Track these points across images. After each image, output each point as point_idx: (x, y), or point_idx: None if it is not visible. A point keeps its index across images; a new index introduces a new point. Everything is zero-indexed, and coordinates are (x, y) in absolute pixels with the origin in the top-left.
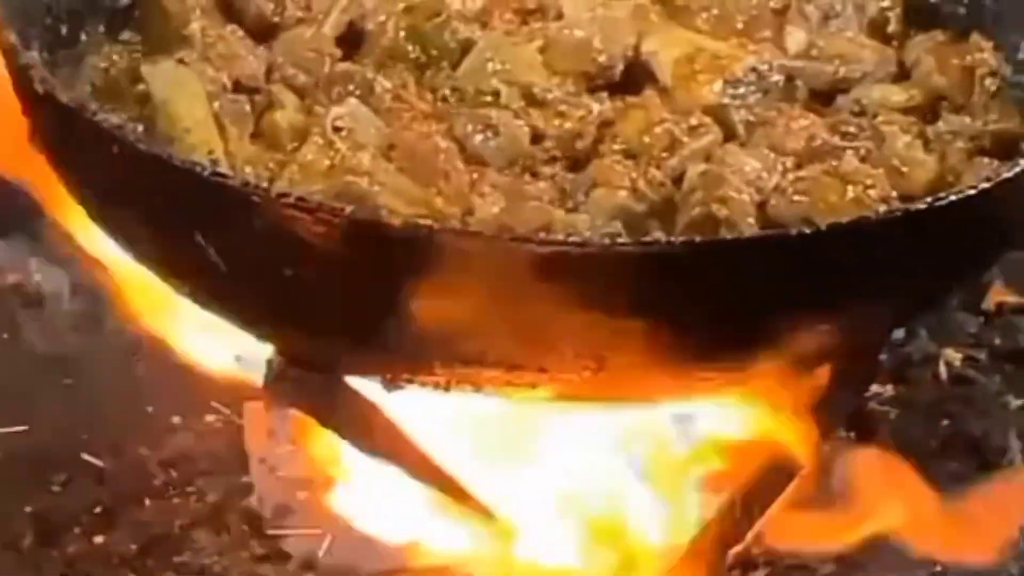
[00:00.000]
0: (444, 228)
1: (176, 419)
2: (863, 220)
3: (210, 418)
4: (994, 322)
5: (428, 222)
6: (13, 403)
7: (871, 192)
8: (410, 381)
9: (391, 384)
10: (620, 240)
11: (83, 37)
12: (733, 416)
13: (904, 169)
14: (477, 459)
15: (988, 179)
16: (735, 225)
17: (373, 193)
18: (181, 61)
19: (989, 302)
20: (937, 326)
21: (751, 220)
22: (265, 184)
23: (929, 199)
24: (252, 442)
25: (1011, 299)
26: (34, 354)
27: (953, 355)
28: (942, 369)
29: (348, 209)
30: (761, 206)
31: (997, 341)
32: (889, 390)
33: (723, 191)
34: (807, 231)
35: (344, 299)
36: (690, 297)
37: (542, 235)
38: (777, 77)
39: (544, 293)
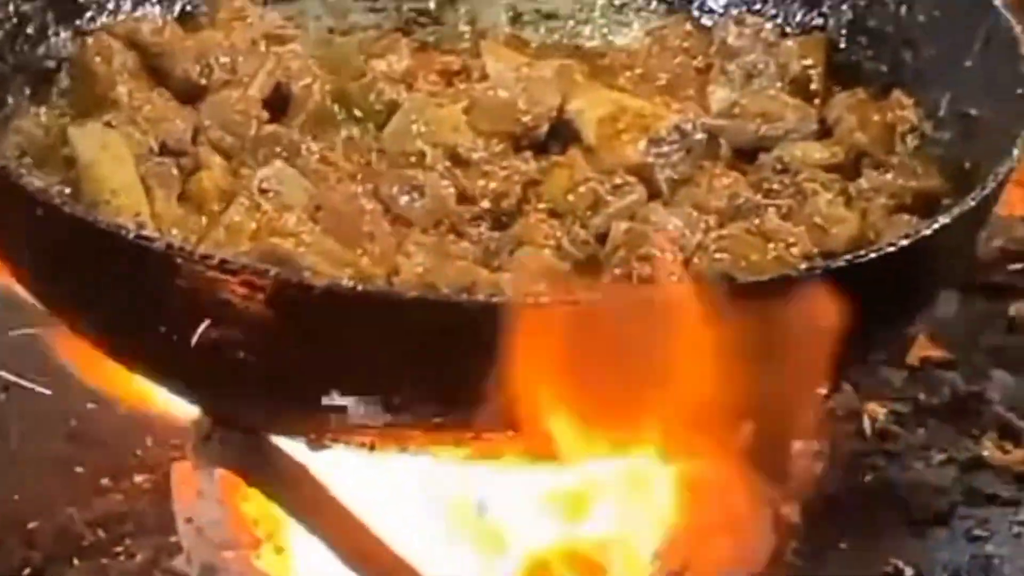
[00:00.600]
0: (367, 288)
1: (105, 480)
2: (783, 277)
3: (139, 478)
4: (918, 376)
5: (351, 282)
6: None
7: (793, 250)
8: (335, 440)
9: (316, 444)
10: (543, 298)
11: (9, 100)
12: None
13: (826, 226)
14: (407, 522)
15: (907, 236)
16: (658, 283)
17: (298, 254)
18: (108, 124)
19: (913, 356)
20: (862, 380)
21: (675, 278)
22: (190, 246)
23: (849, 256)
24: (180, 502)
25: (935, 353)
26: None
27: (877, 409)
28: (866, 424)
29: (272, 270)
30: (684, 264)
31: (921, 395)
32: (814, 445)
33: (646, 249)
34: (728, 288)
35: (269, 359)
36: (610, 354)
37: (465, 295)
38: (700, 135)
39: (467, 351)
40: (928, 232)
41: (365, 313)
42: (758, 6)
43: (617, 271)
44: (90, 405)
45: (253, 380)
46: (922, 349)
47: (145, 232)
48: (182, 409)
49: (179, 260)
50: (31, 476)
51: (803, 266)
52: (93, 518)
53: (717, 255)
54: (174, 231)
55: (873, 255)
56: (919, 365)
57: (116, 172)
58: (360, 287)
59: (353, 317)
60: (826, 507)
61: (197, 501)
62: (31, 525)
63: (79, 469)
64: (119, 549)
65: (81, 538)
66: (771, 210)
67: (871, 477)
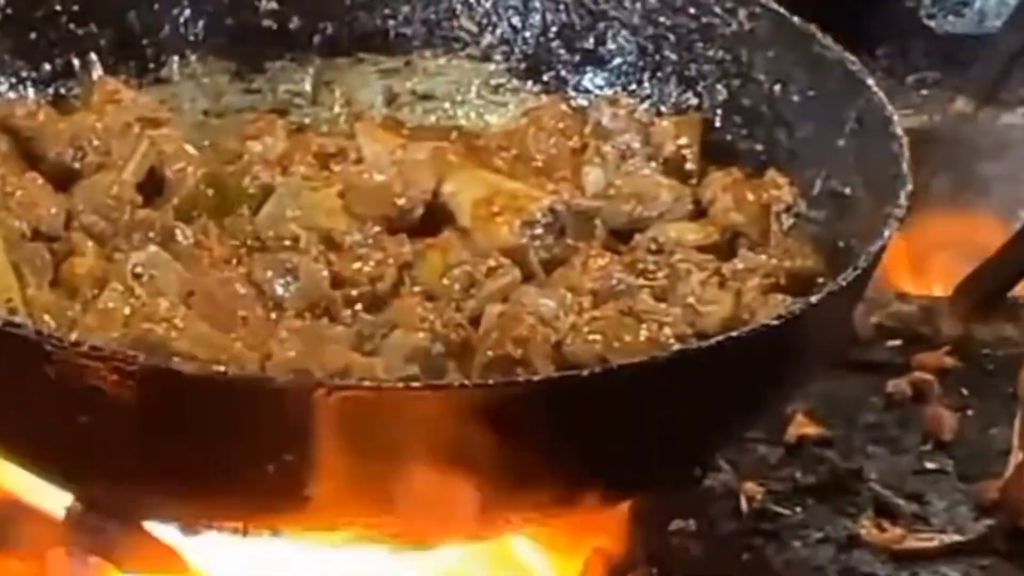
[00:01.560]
0: (235, 374)
1: None
2: (656, 359)
3: (13, 564)
4: (796, 454)
5: (220, 368)
6: None
7: (666, 330)
8: (207, 526)
9: (188, 529)
10: (414, 383)
11: None
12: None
13: (699, 307)
14: None
15: (780, 316)
16: (531, 366)
17: (171, 340)
18: None
19: (791, 434)
20: (738, 459)
21: (547, 361)
22: (60, 333)
23: (721, 336)
24: None
25: (812, 431)
26: None
27: (755, 488)
28: (744, 503)
29: (140, 356)
30: (557, 346)
31: (799, 474)
32: (691, 524)
33: (519, 332)
34: (599, 370)
35: (139, 446)
36: (485, 438)
37: (336, 379)
38: (575, 217)
39: (337, 436)
40: (799, 311)
41: (234, 399)
42: (632, 86)
43: (490, 354)
44: None
45: (124, 466)
46: (799, 427)
47: (15, 319)
48: (56, 495)
49: (48, 347)
50: None
51: (676, 347)
52: None
53: (590, 336)
54: (46, 317)
55: (745, 334)
56: (796, 443)
57: None
58: (228, 373)
59: (222, 403)
60: None
61: None
62: None
63: None
64: None
65: None
66: (645, 291)
67: (748, 556)
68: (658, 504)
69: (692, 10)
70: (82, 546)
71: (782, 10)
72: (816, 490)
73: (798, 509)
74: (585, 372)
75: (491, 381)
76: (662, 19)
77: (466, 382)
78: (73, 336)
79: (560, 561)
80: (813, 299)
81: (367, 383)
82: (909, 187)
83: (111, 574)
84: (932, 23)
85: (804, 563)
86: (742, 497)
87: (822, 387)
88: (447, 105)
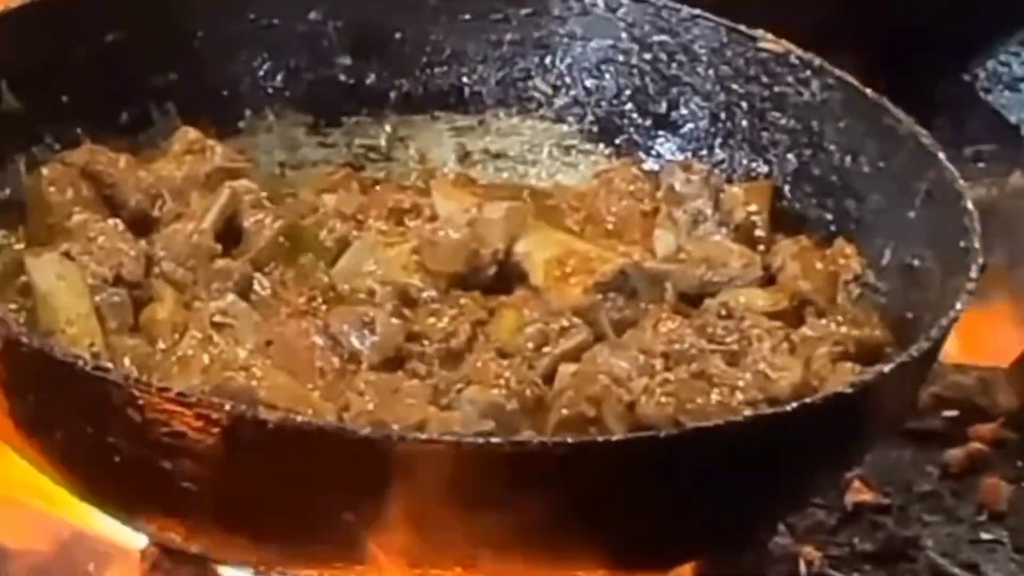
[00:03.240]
0: (322, 424)
1: None
2: (730, 423)
3: None
4: (853, 520)
5: (305, 418)
6: None
7: (738, 395)
8: (282, 573)
9: (263, 574)
10: (494, 439)
11: None
12: None
13: (770, 373)
14: None
15: (852, 385)
16: (604, 425)
17: (251, 388)
18: (66, 254)
19: (848, 500)
20: (796, 522)
21: (620, 421)
22: (146, 378)
23: (795, 403)
24: None
25: (868, 497)
26: None
27: (813, 553)
28: (802, 567)
29: (227, 404)
30: (630, 407)
31: (856, 540)
32: None
33: (593, 391)
34: (675, 433)
35: (220, 491)
36: (559, 498)
37: (417, 433)
38: (645, 279)
39: (420, 489)
40: (873, 380)
41: (318, 449)
42: (703, 152)
43: (565, 412)
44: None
45: (203, 511)
46: (856, 493)
47: (102, 363)
48: (127, 536)
49: (135, 391)
50: None
51: (748, 412)
52: None
53: (663, 399)
54: (127, 362)
55: (819, 402)
56: (854, 509)
57: (72, 302)
58: (315, 423)
59: (306, 452)
60: None
61: None
62: None
63: None
64: None
65: None
66: (716, 355)
67: None
68: (717, 565)
69: (765, 79)
70: None
71: (855, 81)
72: (873, 557)
73: (855, 575)
74: (663, 434)
75: (571, 439)
76: (735, 86)
77: (554, 440)
78: (158, 382)
79: None
80: (886, 368)
81: (452, 438)
82: (980, 261)
83: None
84: (989, 97)
85: None
86: (801, 561)
87: (879, 455)
88: (519, 165)
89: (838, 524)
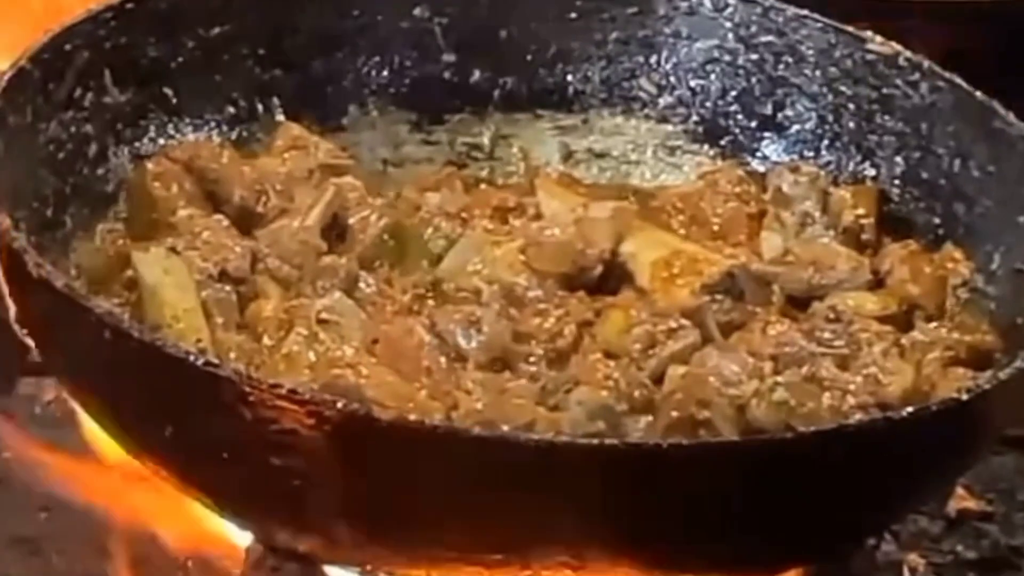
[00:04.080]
0: (435, 424)
1: None
2: (847, 428)
3: None
4: (957, 528)
5: (417, 417)
6: None
7: (849, 399)
8: (390, 573)
9: (371, 575)
10: (610, 441)
11: (68, 221)
12: None
13: (881, 378)
14: None
15: (969, 391)
16: (714, 428)
17: (359, 386)
18: (173, 250)
19: (951, 508)
20: (900, 529)
21: (730, 424)
22: (257, 375)
23: (912, 409)
24: None
25: (972, 505)
26: (5, 534)
27: (917, 560)
28: (906, 574)
29: (339, 402)
30: (740, 410)
31: (959, 548)
32: None
33: (703, 394)
34: (792, 436)
35: (330, 490)
36: (672, 499)
37: (535, 434)
38: (753, 282)
39: (533, 491)
40: (989, 387)
41: (430, 448)
42: (810, 154)
43: (675, 414)
44: (131, 525)
45: (311, 509)
46: (959, 500)
47: (213, 359)
48: (229, 533)
49: (246, 388)
50: None
51: (860, 416)
52: None
53: (775, 401)
54: (232, 357)
55: (936, 408)
56: (957, 516)
57: (179, 297)
58: (428, 422)
59: (418, 452)
60: None
61: None
62: None
63: None
64: None
65: None
66: (826, 359)
67: None
68: (824, 572)
69: (873, 81)
70: None
71: (964, 84)
72: (978, 565)
73: None
74: (780, 436)
75: (686, 442)
76: (843, 88)
77: (669, 442)
78: (271, 379)
79: None
80: (1003, 375)
81: (566, 440)
82: None
83: None
84: None
85: None
86: (905, 569)
87: (981, 461)
88: (623, 164)
89: (942, 532)
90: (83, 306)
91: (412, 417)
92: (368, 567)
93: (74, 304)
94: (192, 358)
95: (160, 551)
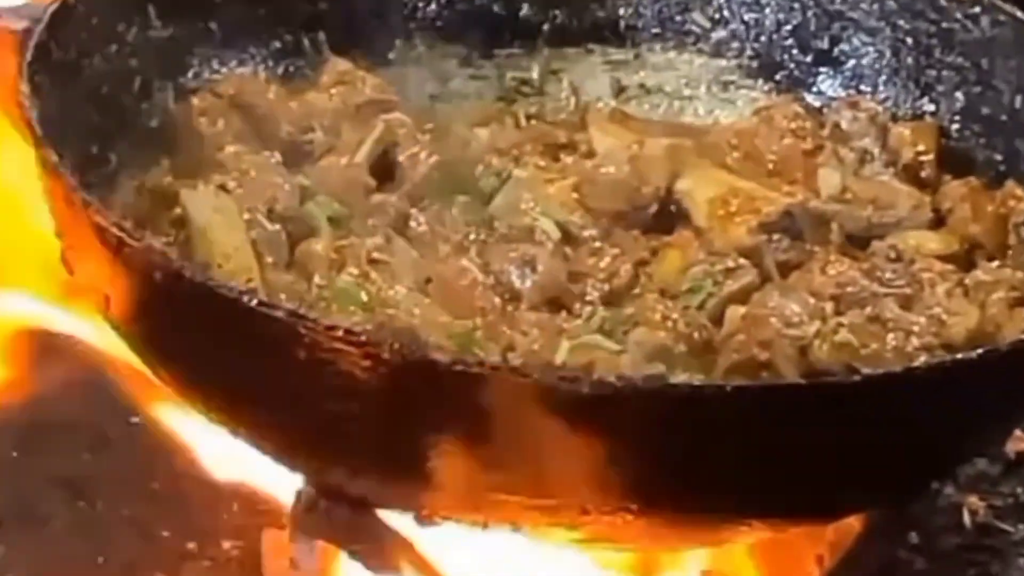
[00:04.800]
0: (497, 366)
1: (191, 545)
2: (918, 369)
3: (226, 544)
4: (1016, 470)
5: (480, 358)
6: (24, 525)
7: (913, 340)
8: (446, 517)
9: (425, 520)
10: (673, 383)
11: (112, 158)
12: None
13: (945, 318)
14: None
15: None
16: (776, 370)
17: (414, 327)
18: (222, 187)
19: (1010, 449)
20: (959, 473)
21: (791, 365)
22: (314, 315)
23: (983, 349)
24: (271, 571)
25: None
26: (47, 475)
27: (977, 503)
28: (966, 518)
29: (397, 344)
30: (802, 351)
31: (1019, 490)
32: (914, 538)
33: (765, 335)
34: (861, 379)
35: (385, 432)
36: (735, 444)
37: (597, 376)
38: (811, 220)
39: (592, 434)
40: None
41: (489, 390)
42: (868, 89)
43: (735, 356)
44: (176, 467)
45: (365, 452)
46: (1017, 442)
47: (267, 299)
48: (271, 475)
49: (302, 329)
50: (116, 539)
51: (925, 358)
52: None
53: (838, 342)
54: (283, 297)
55: (1005, 350)
56: (1016, 459)
57: (228, 236)
58: (487, 364)
59: (475, 394)
60: None
61: (291, 571)
62: None
63: (165, 533)
64: None
65: None
66: (889, 299)
67: (974, 573)
68: (885, 515)
69: (932, 15)
70: (309, 531)
71: None
72: None
73: (1021, 527)
74: (852, 378)
75: (754, 384)
76: (900, 22)
77: (734, 384)
78: (326, 319)
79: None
80: None
81: (627, 382)
82: None
83: (335, 560)
84: None
85: None
86: (965, 511)
87: None
88: (675, 100)
89: (1001, 474)
90: (134, 245)
91: (471, 359)
92: (423, 512)
93: (124, 243)
94: (247, 298)
95: (207, 494)
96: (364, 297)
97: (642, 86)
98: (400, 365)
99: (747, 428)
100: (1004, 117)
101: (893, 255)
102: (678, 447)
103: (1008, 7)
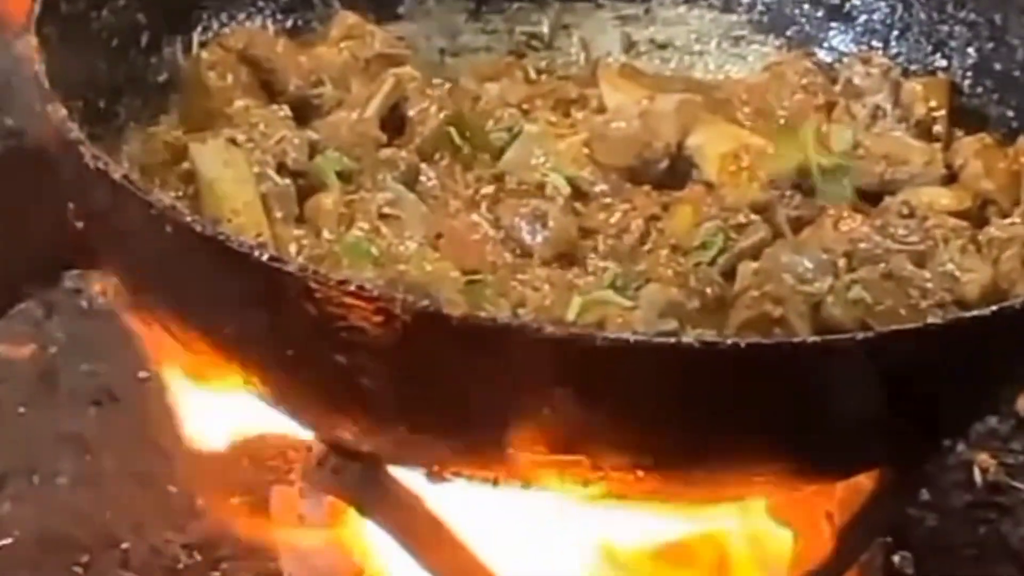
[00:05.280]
0: (509, 322)
1: (200, 501)
2: (933, 326)
3: (235, 500)
4: None
5: (489, 314)
6: (33, 481)
7: (927, 297)
8: (457, 474)
9: (436, 476)
10: (686, 339)
11: (121, 112)
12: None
13: (958, 275)
14: (525, 560)
15: None
16: (790, 326)
17: (426, 283)
18: (232, 141)
19: (1020, 407)
20: (970, 430)
21: (804, 322)
22: (325, 270)
23: (999, 306)
24: (279, 527)
25: None
26: (54, 430)
27: (988, 461)
28: (977, 475)
29: (410, 299)
30: (815, 308)
31: None
32: (924, 495)
33: (777, 291)
34: (876, 335)
35: (397, 389)
36: (748, 401)
37: (609, 332)
38: (823, 176)
39: (603, 390)
40: None
41: (502, 346)
42: (879, 45)
43: (748, 312)
44: (184, 423)
45: (377, 408)
46: None
47: (279, 254)
48: (279, 431)
49: (313, 284)
50: (124, 494)
51: (938, 314)
52: (189, 541)
53: (852, 298)
54: (292, 252)
55: (1020, 306)
56: None
57: (238, 191)
58: (499, 320)
59: (487, 350)
60: (941, 560)
61: (299, 527)
62: (124, 545)
63: (173, 489)
64: (215, 574)
65: (176, 561)
66: (902, 255)
67: (984, 531)
68: (897, 472)
69: None
70: (319, 486)
71: None
72: None
73: None
74: (864, 335)
75: (767, 341)
76: None
77: (747, 341)
78: (338, 275)
79: (792, 526)
80: None
81: (643, 338)
82: None
83: (345, 516)
84: None
85: None
86: (975, 468)
87: None
88: (686, 55)
89: (1011, 431)
90: (143, 200)
91: (483, 314)
92: (435, 468)
93: (134, 197)
94: (258, 253)
95: (216, 450)
96: (374, 252)
97: (652, 41)
98: (412, 321)
99: (759, 385)
100: (1017, 73)
101: (906, 211)
102: (690, 404)
103: None
